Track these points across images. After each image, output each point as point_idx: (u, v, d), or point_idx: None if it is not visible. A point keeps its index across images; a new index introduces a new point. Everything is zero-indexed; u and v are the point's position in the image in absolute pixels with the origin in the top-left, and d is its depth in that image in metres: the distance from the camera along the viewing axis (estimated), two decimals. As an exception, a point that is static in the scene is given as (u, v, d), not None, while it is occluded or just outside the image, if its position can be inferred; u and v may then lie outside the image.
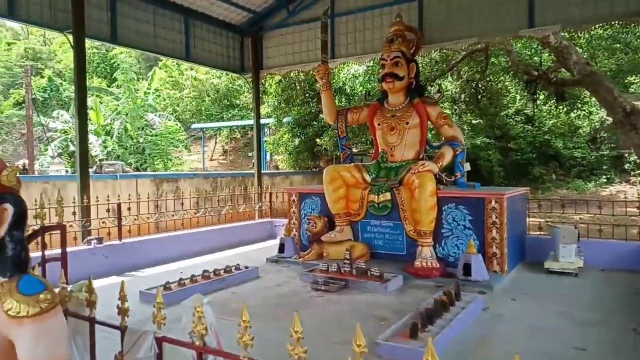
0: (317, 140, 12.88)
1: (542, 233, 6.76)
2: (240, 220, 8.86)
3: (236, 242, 8.02)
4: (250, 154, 24.43)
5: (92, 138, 20.81)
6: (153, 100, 22.65)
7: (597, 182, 17.77)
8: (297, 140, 13.80)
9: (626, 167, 17.96)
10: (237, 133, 27.66)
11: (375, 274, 5.20)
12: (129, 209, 6.66)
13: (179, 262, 6.82)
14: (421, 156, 6.43)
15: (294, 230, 7.04)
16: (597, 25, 6.66)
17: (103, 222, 6.45)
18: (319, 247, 6.39)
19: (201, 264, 6.53)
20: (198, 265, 6.41)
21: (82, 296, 1.69)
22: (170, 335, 1.66)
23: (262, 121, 19.12)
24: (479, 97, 11.87)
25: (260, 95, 13.40)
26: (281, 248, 6.72)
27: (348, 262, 5.48)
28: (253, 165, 23.06)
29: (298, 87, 12.67)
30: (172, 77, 27.79)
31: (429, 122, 6.50)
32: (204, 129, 24.81)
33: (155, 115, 21.13)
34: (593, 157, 18.30)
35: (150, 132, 20.46)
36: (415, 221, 5.78)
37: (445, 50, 8.87)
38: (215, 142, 28.50)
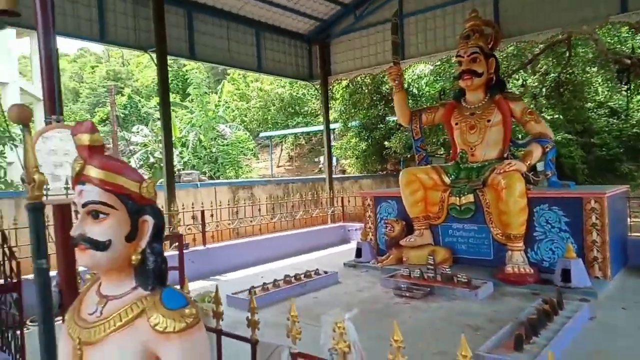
0: (386, 143, 12.65)
1: (647, 235, 6.13)
2: (314, 225, 8.91)
3: (311, 246, 8.08)
4: (316, 159, 24.67)
5: (169, 150, 22.03)
6: (223, 112, 23.57)
7: (697, 177, 15.88)
8: (364, 144, 13.65)
9: None
10: (302, 139, 28.06)
11: (463, 280, 4.97)
12: (211, 215, 6.91)
13: (258, 266, 6.97)
14: (505, 155, 6.08)
15: (370, 234, 6.94)
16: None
17: (189, 229, 6.75)
18: (397, 251, 6.24)
19: (279, 268, 6.62)
20: (276, 269, 6.51)
21: (208, 307, 1.70)
22: (271, 340, 1.63)
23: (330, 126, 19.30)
24: (562, 90, 11.01)
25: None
26: (358, 252, 6.65)
27: (432, 267, 5.28)
28: (320, 170, 23.20)
29: (365, 91, 12.55)
30: (239, 89, 28.87)
31: (512, 119, 6.13)
32: (271, 137, 25.42)
33: (226, 126, 21.99)
34: (691, 150, 16.43)
35: (222, 142, 21.30)
36: (504, 224, 5.45)
37: (520, 44, 8.41)
38: (281, 149, 29.11)
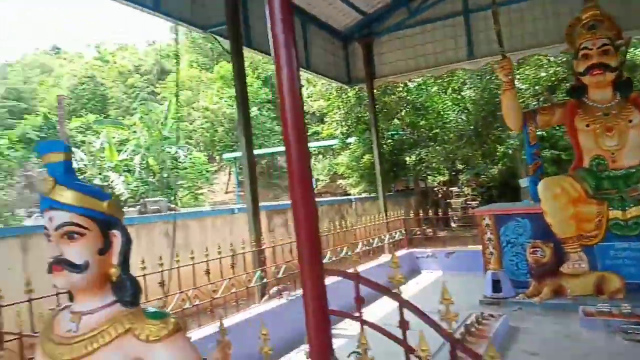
0: (407, 159, 11.52)
1: None
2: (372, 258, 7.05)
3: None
4: (280, 181, 23.09)
5: (112, 176, 18.95)
6: (168, 132, 20.98)
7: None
8: (367, 157, 12.30)
9: None
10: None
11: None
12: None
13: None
14: (655, 160, 5.29)
15: (491, 262, 5.73)
16: None
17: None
18: (552, 281, 5.09)
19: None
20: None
21: None
22: None
23: (328, 143, 17.76)
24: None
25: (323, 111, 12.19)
26: (496, 285, 5.38)
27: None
28: (275, 196, 21.43)
29: (398, 98, 11.32)
30: (180, 108, 26.47)
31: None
32: (236, 159, 22.37)
33: (178, 147, 19.49)
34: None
35: (176, 165, 18.77)
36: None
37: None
38: (230, 173, 26.89)
